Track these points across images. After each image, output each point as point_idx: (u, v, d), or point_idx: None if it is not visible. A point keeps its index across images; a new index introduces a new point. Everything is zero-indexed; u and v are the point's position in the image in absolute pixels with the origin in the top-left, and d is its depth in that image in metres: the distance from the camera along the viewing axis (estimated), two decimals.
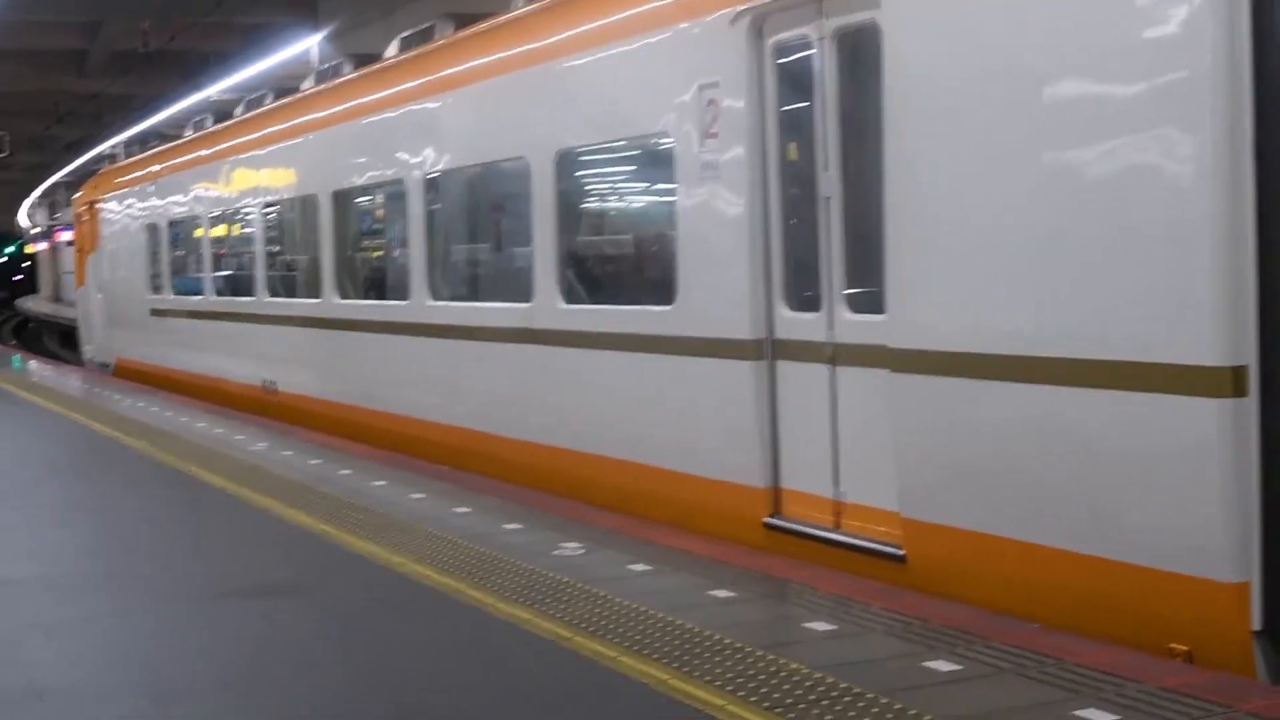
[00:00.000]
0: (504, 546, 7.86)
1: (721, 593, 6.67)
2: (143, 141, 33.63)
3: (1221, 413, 5.45)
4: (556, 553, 7.65)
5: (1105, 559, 5.91)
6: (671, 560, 7.38)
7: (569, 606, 6.49)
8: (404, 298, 12.32)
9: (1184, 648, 5.62)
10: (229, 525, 8.88)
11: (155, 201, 20.88)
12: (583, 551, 7.67)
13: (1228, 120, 5.41)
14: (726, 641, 5.83)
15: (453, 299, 11.84)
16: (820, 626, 6.02)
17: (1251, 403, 5.44)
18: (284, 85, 18.74)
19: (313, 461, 11.36)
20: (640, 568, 7.23)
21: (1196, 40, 5.46)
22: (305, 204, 15.07)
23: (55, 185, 62.54)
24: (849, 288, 7.41)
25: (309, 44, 25.53)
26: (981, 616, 6.11)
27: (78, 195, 27.13)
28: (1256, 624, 5.45)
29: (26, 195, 72.63)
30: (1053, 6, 6.08)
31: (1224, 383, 5.44)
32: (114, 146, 39.36)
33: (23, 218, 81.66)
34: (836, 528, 7.50)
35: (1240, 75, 5.41)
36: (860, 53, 7.27)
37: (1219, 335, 5.45)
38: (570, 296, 9.87)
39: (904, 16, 6.82)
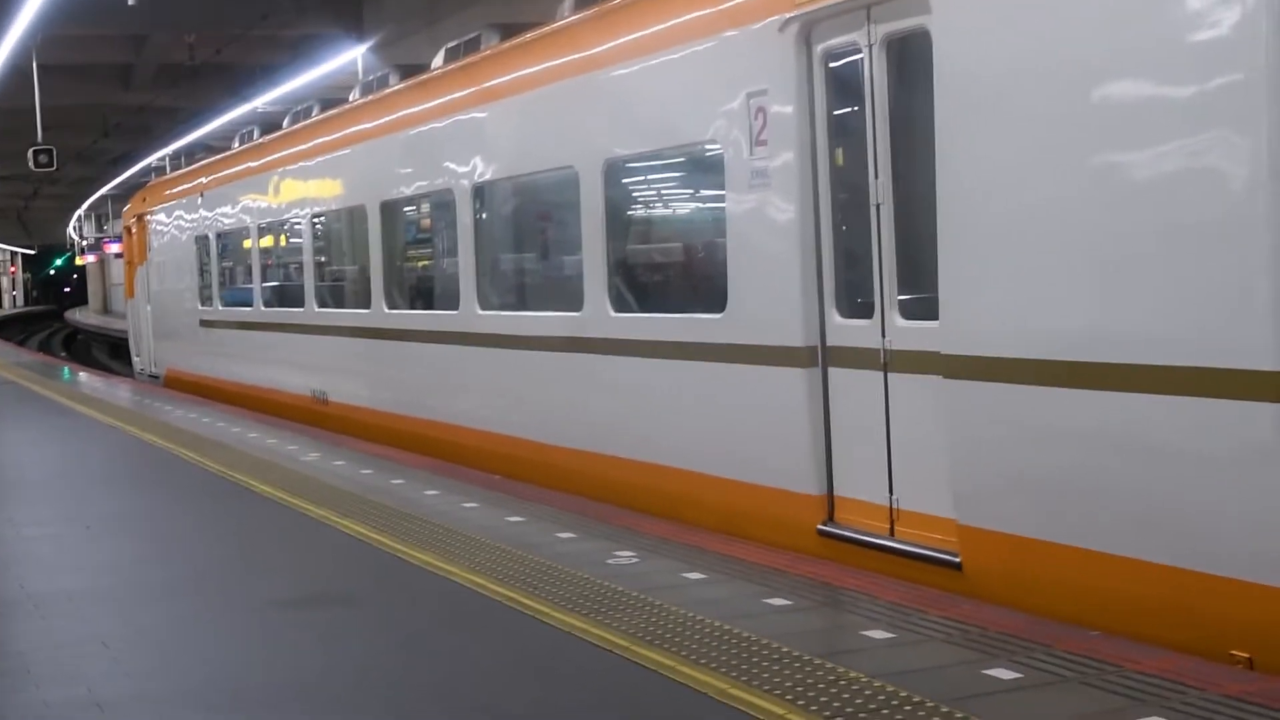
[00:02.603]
0: (557, 555, 7.87)
1: (777, 601, 6.66)
2: (189, 154, 33.92)
3: None
4: (610, 561, 7.66)
5: (1164, 565, 5.87)
6: (725, 568, 7.38)
7: (625, 616, 6.50)
8: (453, 307, 12.36)
9: (1245, 654, 5.57)
10: (283, 536, 8.93)
11: (204, 213, 21.03)
12: (636, 560, 7.67)
13: None
14: (784, 650, 5.82)
15: (502, 308, 11.87)
16: (878, 634, 6.00)
17: None
18: (330, 97, 18.85)
19: (365, 471, 11.42)
20: (695, 576, 7.23)
21: (1250, 41, 5.43)
22: (353, 214, 15.15)
23: (103, 198, 63.11)
24: (901, 294, 7.39)
25: (354, 55, 25.68)
26: (1039, 623, 6.08)
27: (127, 208, 27.35)
28: None
29: (75, 208, 73.29)
30: (1105, 9, 6.05)
31: None
32: (161, 159, 39.73)
33: (71, 230, 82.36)
34: (890, 534, 7.48)
35: None
36: (909, 58, 7.25)
37: (1278, 339, 5.40)
38: (620, 305, 9.88)
39: (955, 22, 6.80)
